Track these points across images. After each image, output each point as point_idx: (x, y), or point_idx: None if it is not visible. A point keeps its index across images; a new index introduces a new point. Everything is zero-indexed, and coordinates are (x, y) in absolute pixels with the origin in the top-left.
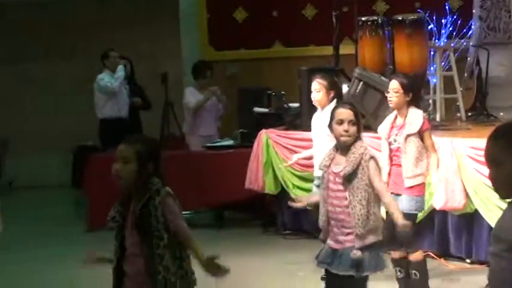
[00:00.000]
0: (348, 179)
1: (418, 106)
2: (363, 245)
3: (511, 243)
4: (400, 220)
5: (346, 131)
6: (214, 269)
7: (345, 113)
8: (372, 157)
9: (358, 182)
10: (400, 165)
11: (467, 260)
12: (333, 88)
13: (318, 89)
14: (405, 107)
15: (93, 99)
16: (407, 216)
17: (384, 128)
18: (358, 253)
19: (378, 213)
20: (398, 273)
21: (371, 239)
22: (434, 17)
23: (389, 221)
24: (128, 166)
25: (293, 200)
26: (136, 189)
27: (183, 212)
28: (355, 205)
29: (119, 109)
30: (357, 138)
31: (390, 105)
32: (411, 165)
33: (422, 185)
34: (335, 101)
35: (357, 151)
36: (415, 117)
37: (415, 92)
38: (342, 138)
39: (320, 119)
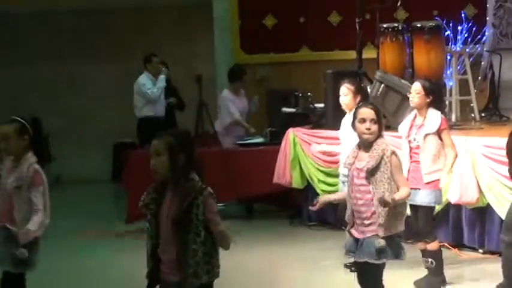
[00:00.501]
0: (372, 173)
1: (438, 108)
2: (387, 234)
3: None
4: (386, 198)
5: (368, 129)
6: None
7: (367, 112)
8: (394, 152)
9: (381, 175)
10: (418, 162)
11: (480, 250)
12: (360, 92)
13: (345, 93)
14: (425, 108)
15: (133, 99)
16: (425, 208)
17: (403, 127)
18: (382, 242)
19: (400, 206)
20: (425, 263)
21: (393, 229)
22: (450, 24)
23: (413, 214)
24: (160, 158)
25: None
26: (173, 181)
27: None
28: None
29: (156, 110)
30: (379, 135)
31: (412, 104)
32: (429, 161)
33: (439, 181)
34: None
35: (379, 147)
36: (434, 117)
37: (436, 94)
38: (364, 136)
39: (349, 122)
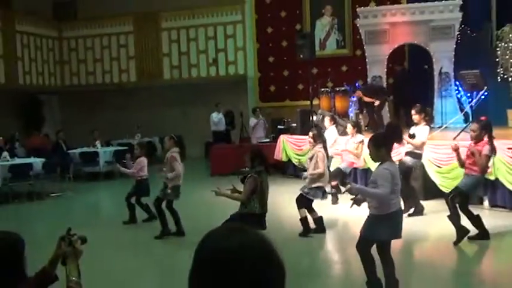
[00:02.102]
0: (310, 159)
1: (359, 131)
2: (310, 186)
3: (374, 181)
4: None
5: (310, 142)
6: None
7: (310, 134)
8: (320, 152)
9: (312, 161)
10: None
11: None
12: (333, 120)
13: (326, 119)
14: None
15: (209, 122)
16: (342, 170)
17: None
18: (307, 190)
19: (321, 175)
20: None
21: (313, 184)
22: (350, 88)
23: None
24: (248, 160)
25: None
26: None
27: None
28: (311, 170)
29: (219, 127)
30: (316, 144)
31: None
32: (348, 154)
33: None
34: (334, 125)
35: (314, 150)
36: (358, 137)
37: (358, 125)
38: (309, 144)
39: (328, 133)
